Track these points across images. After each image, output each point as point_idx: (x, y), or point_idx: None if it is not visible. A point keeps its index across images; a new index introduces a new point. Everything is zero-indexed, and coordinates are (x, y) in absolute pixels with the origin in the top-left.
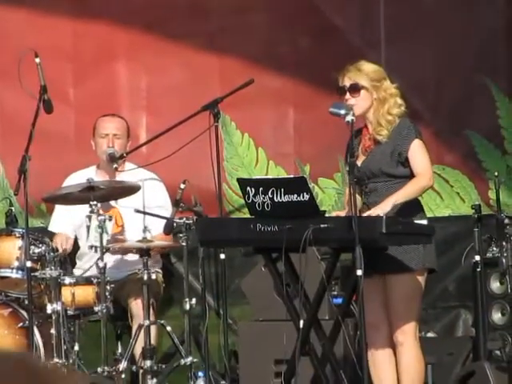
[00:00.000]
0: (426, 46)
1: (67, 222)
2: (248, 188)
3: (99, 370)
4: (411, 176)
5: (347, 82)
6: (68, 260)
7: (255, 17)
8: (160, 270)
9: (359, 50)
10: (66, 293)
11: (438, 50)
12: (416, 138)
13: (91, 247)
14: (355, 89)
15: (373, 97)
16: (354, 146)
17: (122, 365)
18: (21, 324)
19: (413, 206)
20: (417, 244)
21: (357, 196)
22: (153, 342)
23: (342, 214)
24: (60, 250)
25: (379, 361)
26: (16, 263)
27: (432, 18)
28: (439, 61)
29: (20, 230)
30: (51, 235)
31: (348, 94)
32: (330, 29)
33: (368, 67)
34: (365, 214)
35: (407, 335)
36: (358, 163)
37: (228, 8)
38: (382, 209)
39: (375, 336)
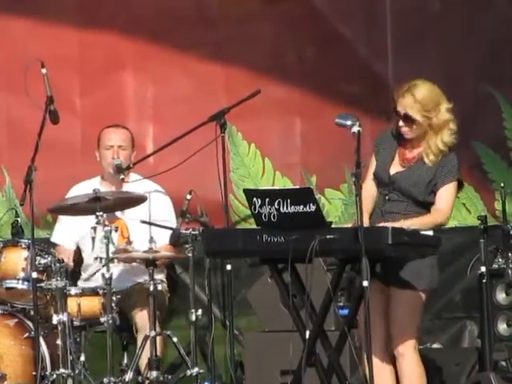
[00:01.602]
0: (432, 56)
1: (70, 233)
2: (254, 199)
3: (105, 380)
4: (432, 205)
5: (401, 108)
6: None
7: (261, 27)
8: (165, 280)
9: (366, 59)
10: (72, 303)
11: (445, 60)
12: (454, 181)
13: (96, 258)
14: (408, 119)
15: (426, 125)
16: (380, 152)
17: (128, 375)
18: (27, 334)
19: None
20: (423, 255)
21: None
22: (158, 353)
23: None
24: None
25: (377, 369)
26: (22, 274)
27: (439, 28)
28: (446, 71)
29: (26, 240)
30: (54, 246)
31: (401, 121)
32: (336, 38)
33: (423, 93)
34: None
35: (407, 346)
36: (393, 170)
37: (234, 18)
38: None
39: (373, 345)
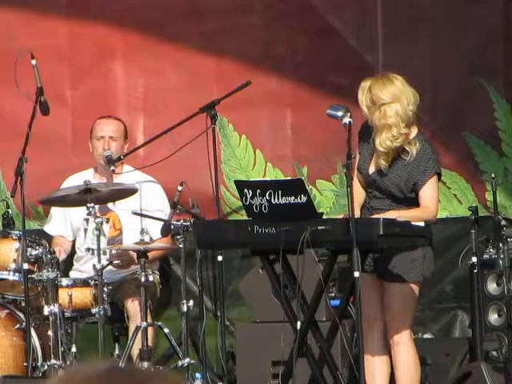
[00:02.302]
0: (423, 48)
1: (63, 224)
2: (245, 190)
3: None
4: (416, 199)
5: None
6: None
7: (252, 18)
8: (157, 272)
9: (356, 51)
10: (63, 295)
11: (436, 51)
12: (434, 175)
13: (88, 250)
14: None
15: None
16: (362, 147)
17: None
18: (18, 326)
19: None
20: (414, 246)
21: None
22: (150, 343)
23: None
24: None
25: (372, 355)
26: (13, 265)
27: (429, 20)
28: (437, 62)
29: (17, 232)
30: (47, 236)
31: None
32: (327, 30)
33: (380, 88)
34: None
35: (403, 336)
36: (371, 169)
37: (225, 9)
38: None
39: (369, 331)
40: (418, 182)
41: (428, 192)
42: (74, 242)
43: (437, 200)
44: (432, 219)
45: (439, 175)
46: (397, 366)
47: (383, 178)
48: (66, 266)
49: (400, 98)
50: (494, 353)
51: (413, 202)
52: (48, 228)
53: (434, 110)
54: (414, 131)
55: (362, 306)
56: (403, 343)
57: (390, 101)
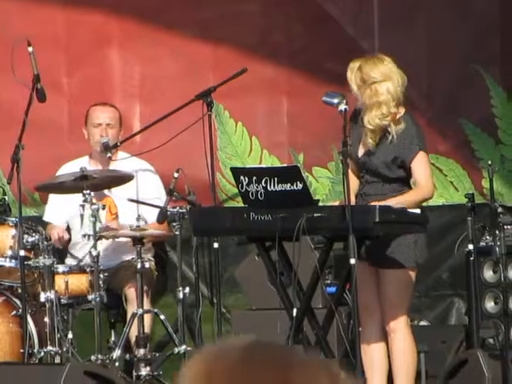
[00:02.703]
0: (419, 35)
1: (62, 212)
2: (241, 177)
3: (93, 358)
4: (407, 178)
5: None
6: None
7: (248, 5)
8: (152, 258)
9: (353, 38)
10: (60, 281)
11: (432, 39)
12: (420, 150)
13: (84, 236)
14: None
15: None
16: (352, 132)
17: (116, 353)
18: (14, 312)
19: None
20: (410, 233)
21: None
22: (146, 330)
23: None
24: (56, 238)
25: (370, 343)
26: (9, 252)
27: (426, 7)
28: (433, 50)
29: (13, 219)
30: (45, 225)
31: None
32: (323, 17)
33: (370, 67)
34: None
35: (399, 323)
36: (360, 152)
37: None
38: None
39: (367, 318)
40: (405, 160)
41: (419, 170)
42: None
43: (429, 176)
44: (430, 196)
45: (426, 153)
46: (393, 353)
47: (371, 157)
48: (61, 253)
49: (391, 76)
50: (491, 340)
51: (404, 181)
52: (46, 217)
53: (431, 97)
54: (402, 111)
55: (358, 288)
56: (400, 330)
57: (382, 79)
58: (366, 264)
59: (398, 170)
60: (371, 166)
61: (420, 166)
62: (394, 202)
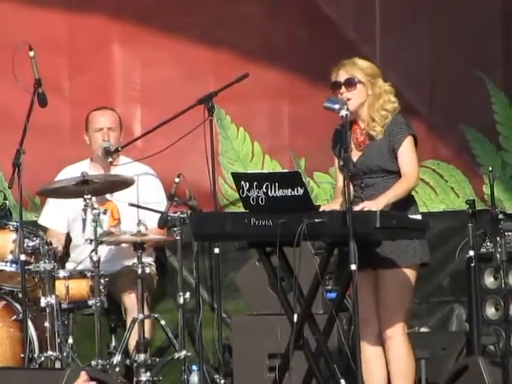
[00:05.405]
0: (421, 40)
1: (59, 216)
2: (242, 182)
3: (93, 363)
4: None
5: (342, 77)
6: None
7: (249, 9)
8: (153, 263)
9: (354, 42)
10: (60, 286)
11: (434, 44)
12: (408, 136)
13: (87, 240)
14: (351, 83)
15: (368, 92)
16: (340, 149)
17: (116, 358)
18: (15, 317)
19: (407, 201)
20: (410, 239)
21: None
22: (147, 335)
23: (336, 205)
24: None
25: (370, 356)
26: (10, 256)
27: (427, 12)
28: (434, 55)
29: (14, 223)
30: (43, 229)
31: (343, 87)
32: (325, 21)
33: (363, 63)
34: (358, 207)
35: (396, 329)
36: (355, 158)
37: (222, 0)
38: (376, 206)
39: (366, 331)
40: (394, 146)
41: (404, 155)
42: (67, 234)
43: (414, 162)
44: (415, 184)
45: (415, 139)
46: (390, 361)
47: (369, 156)
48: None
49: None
50: (491, 347)
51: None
52: (42, 220)
53: (432, 102)
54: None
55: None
56: (396, 337)
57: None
58: (366, 271)
59: (396, 162)
60: (371, 164)
61: (405, 152)
62: (386, 199)
